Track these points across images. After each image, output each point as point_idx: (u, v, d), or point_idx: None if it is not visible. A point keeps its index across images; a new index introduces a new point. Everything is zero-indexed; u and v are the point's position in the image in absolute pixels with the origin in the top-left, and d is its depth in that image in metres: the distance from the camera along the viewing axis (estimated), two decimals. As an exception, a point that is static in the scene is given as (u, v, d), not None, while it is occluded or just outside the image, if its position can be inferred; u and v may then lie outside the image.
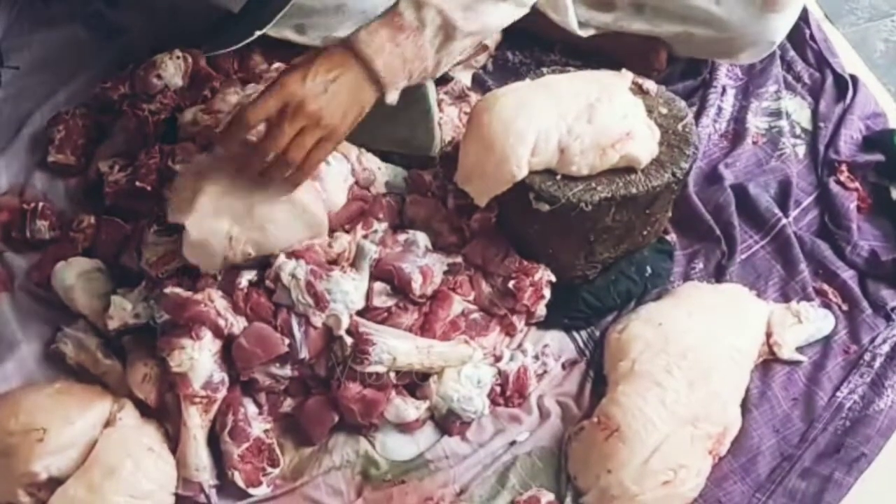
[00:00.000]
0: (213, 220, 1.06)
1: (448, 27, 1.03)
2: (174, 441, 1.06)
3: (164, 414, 1.07)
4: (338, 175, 1.16)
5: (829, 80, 1.49)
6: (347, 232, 1.15)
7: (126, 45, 1.45)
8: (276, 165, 1.02)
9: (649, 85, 1.19)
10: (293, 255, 1.08)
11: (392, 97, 1.05)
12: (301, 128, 1.00)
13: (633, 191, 1.09)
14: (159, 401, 1.07)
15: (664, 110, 1.17)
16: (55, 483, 1.00)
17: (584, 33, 1.37)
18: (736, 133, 1.43)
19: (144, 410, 1.08)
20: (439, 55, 1.05)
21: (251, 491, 1.06)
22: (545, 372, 1.18)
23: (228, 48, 1.16)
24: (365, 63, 1.01)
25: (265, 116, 1.00)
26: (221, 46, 1.16)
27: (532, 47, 1.49)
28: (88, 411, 1.04)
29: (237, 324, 1.06)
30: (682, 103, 1.18)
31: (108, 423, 1.04)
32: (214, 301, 1.05)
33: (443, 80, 1.39)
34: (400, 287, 1.12)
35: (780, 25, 1.32)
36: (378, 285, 1.11)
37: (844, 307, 1.25)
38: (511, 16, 1.09)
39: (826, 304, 1.25)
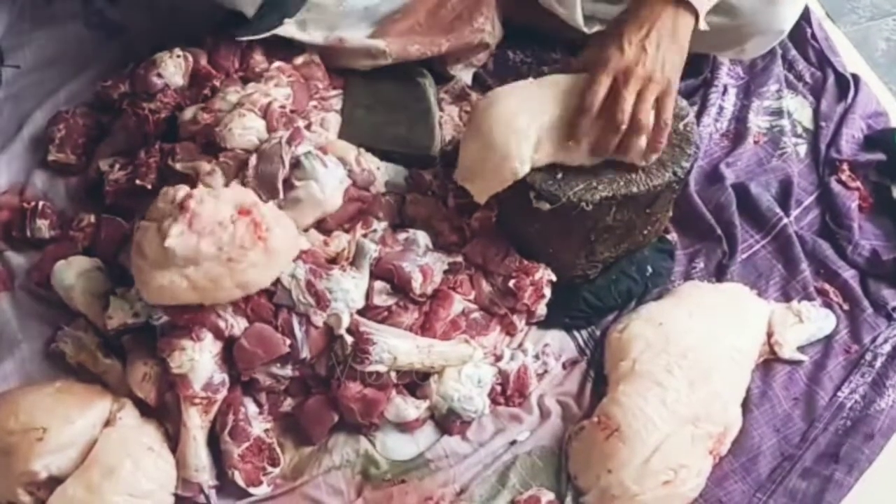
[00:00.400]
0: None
1: None
2: (174, 441, 1.06)
3: (164, 413, 1.07)
4: (333, 178, 1.15)
5: (831, 79, 1.49)
6: (347, 231, 1.15)
7: (126, 43, 1.44)
8: (631, 135, 1.05)
9: None
10: (292, 255, 1.08)
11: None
12: (638, 92, 1.04)
13: (634, 190, 1.09)
14: (159, 400, 1.07)
15: (665, 109, 1.17)
16: (55, 482, 1.00)
17: (590, 29, 1.36)
18: (737, 132, 1.42)
19: (144, 410, 1.08)
20: None
21: (251, 490, 1.06)
22: (546, 371, 1.18)
23: (261, 34, 1.20)
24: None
25: (603, 96, 1.04)
26: (253, 32, 1.20)
27: (533, 46, 1.49)
28: (88, 410, 1.04)
29: (237, 325, 1.05)
30: (684, 102, 1.18)
31: (108, 423, 1.04)
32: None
33: (443, 80, 1.39)
34: (400, 286, 1.12)
35: (789, 14, 1.32)
36: (378, 284, 1.11)
37: (846, 307, 1.25)
38: None
39: (827, 304, 1.24)
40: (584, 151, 1.08)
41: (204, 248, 1.01)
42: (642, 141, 1.06)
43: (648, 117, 1.05)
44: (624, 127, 1.05)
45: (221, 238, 1.02)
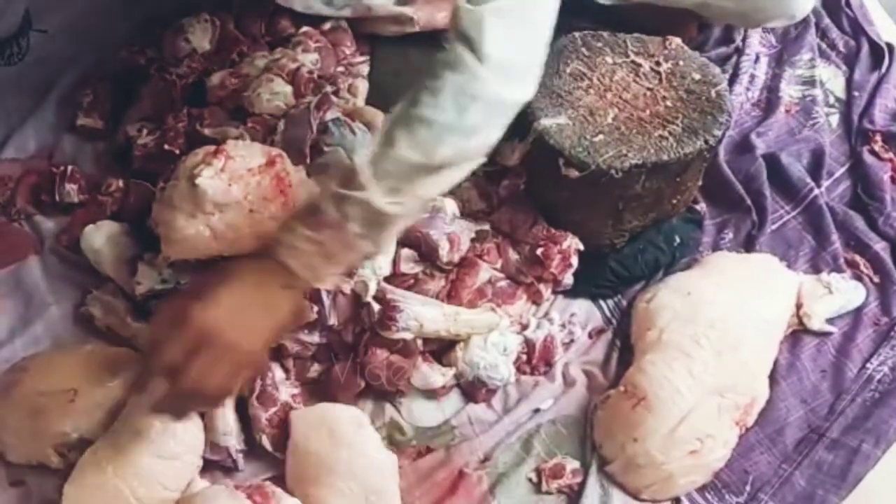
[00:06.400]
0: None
1: (374, 215, 0.90)
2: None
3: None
4: (361, 144, 1.15)
5: (865, 48, 1.46)
6: (374, 198, 1.15)
7: (154, 7, 1.44)
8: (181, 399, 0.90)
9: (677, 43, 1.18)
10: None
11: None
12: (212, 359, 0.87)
13: (665, 158, 1.08)
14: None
15: (697, 76, 1.16)
16: (84, 443, 1.02)
17: (608, 0, 1.35)
18: (769, 101, 1.40)
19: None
20: (375, 239, 0.93)
21: (278, 454, 1.06)
22: (572, 341, 1.17)
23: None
24: (280, 266, 0.90)
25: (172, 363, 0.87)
26: None
27: (560, 12, 1.46)
28: (118, 373, 1.05)
29: (266, 288, 1.05)
30: (717, 69, 1.16)
31: (137, 388, 1.05)
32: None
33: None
34: (427, 254, 1.12)
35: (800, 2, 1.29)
36: (405, 252, 1.11)
37: (876, 279, 1.23)
38: (452, 181, 0.93)
39: (857, 276, 1.23)
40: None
41: (234, 192, 1.02)
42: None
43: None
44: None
45: (249, 185, 1.03)
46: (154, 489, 1.00)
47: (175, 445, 1.02)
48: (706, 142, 1.10)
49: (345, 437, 1.03)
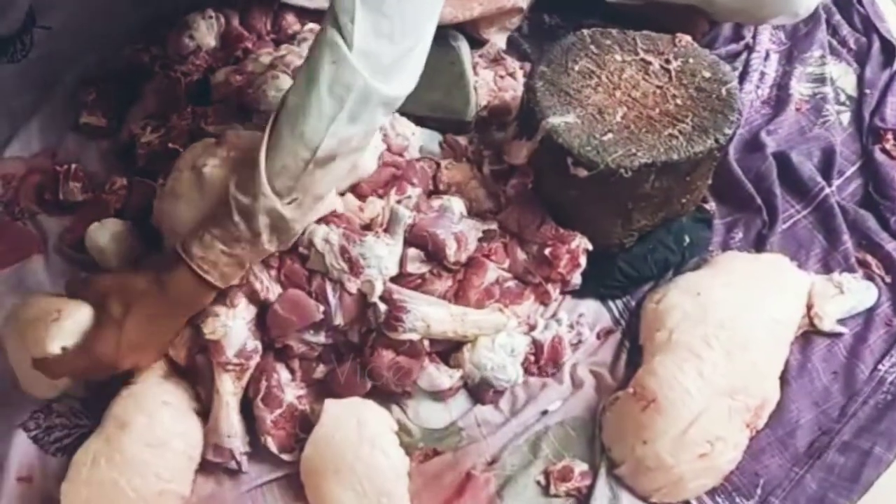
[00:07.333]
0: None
1: (280, 222, 0.97)
2: (206, 405, 1.06)
3: (197, 378, 1.06)
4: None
5: (876, 45, 1.45)
6: (380, 197, 1.14)
7: (158, 4, 1.43)
8: None
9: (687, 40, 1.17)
10: (324, 220, 1.07)
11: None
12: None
13: (675, 157, 1.07)
14: (189, 361, 1.06)
15: (707, 74, 1.14)
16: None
17: None
18: (779, 99, 1.39)
19: (175, 370, 1.07)
20: (282, 240, 1.00)
21: (283, 457, 1.05)
22: (580, 341, 1.16)
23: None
24: (192, 275, 0.98)
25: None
26: None
27: (569, 10, 1.45)
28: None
29: (272, 289, 1.05)
30: (727, 67, 1.15)
31: (126, 385, 1.05)
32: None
33: (477, 44, 1.37)
34: (434, 253, 1.10)
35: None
36: (412, 251, 1.10)
37: (888, 279, 1.22)
38: (341, 173, 1.00)
39: (869, 276, 1.22)
40: None
41: None
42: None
43: None
44: None
45: None
46: (149, 479, 0.99)
47: (161, 433, 1.01)
48: (717, 141, 1.09)
49: (371, 434, 1.03)
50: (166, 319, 1.02)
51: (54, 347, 0.98)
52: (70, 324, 0.99)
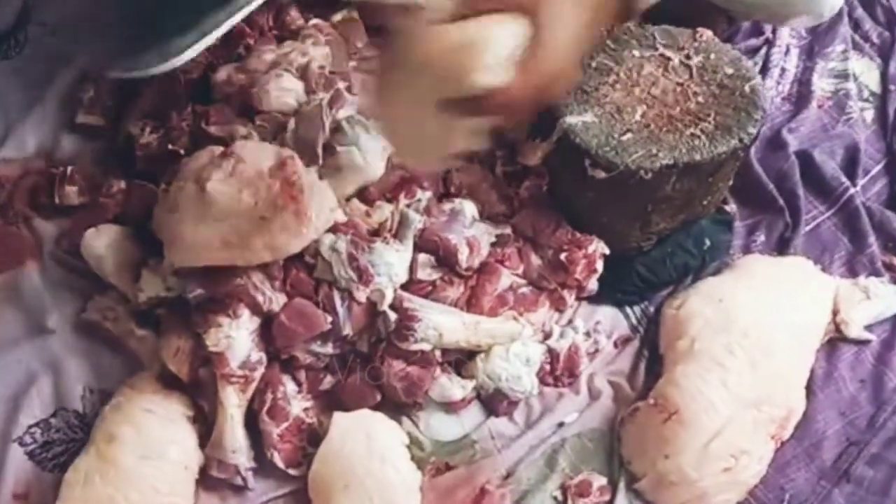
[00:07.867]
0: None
1: None
2: (210, 418, 1.02)
3: (200, 391, 1.03)
4: (376, 144, 1.09)
5: (900, 39, 1.40)
6: (389, 201, 1.10)
7: (156, -1, 1.39)
8: None
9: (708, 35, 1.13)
10: (331, 228, 1.03)
11: None
12: None
13: (697, 157, 1.03)
14: (192, 375, 1.03)
15: (730, 70, 1.10)
16: None
17: None
18: (800, 95, 1.34)
19: (174, 383, 1.04)
20: None
21: (290, 472, 1.02)
22: (597, 350, 1.12)
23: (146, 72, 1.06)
24: None
25: None
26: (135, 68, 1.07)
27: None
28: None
29: (276, 300, 1.01)
30: (750, 63, 1.11)
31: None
32: (252, 275, 1.00)
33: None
34: (445, 259, 1.07)
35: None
36: (422, 257, 1.06)
37: (916, 283, 1.18)
38: None
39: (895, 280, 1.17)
40: None
41: (244, 198, 0.98)
42: None
43: None
44: None
45: (259, 191, 0.98)
46: (146, 493, 0.97)
47: (151, 442, 0.99)
48: (740, 140, 1.05)
49: (381, 448, 1.00)
50: None
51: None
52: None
